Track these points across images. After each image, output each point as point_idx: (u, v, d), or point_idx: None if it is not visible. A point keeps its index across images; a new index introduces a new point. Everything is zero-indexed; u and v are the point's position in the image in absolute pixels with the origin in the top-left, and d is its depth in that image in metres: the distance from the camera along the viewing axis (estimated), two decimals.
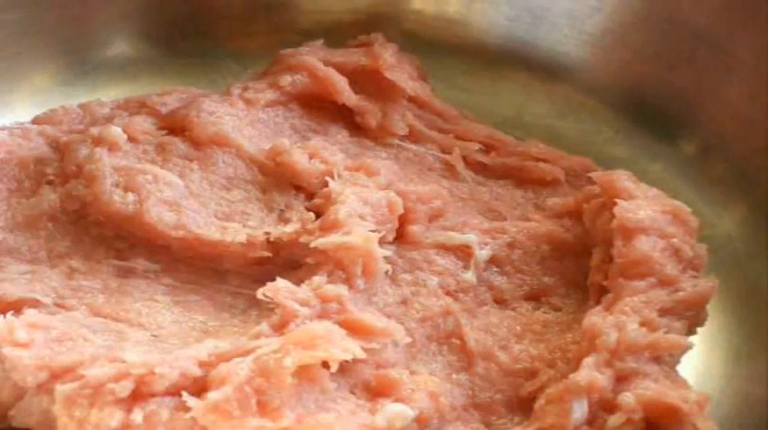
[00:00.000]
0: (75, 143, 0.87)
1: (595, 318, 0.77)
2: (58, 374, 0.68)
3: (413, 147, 0.98)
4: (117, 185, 0.84)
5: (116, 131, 0.87)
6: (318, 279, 0.77)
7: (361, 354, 0.71)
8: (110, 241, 0.83)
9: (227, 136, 0.90)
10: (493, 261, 0.87)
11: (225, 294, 0.83)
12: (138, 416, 0.65)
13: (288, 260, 0.83)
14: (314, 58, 0.98)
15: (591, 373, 0.72)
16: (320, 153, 0.89)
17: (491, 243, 0.87)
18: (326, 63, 0.98)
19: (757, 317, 0.90)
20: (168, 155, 0.89)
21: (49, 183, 0.85)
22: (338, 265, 0.78)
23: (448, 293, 0.84)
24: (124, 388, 0.66)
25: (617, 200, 0.83)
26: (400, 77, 1.00)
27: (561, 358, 0.79)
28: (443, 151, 0.98)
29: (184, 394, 0.67)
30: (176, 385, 0.67)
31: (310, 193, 0.88)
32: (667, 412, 0.71)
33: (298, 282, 0.77)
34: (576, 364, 0.75)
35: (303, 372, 0.68)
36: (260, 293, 0.75)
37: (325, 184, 0.86)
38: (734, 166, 0.99)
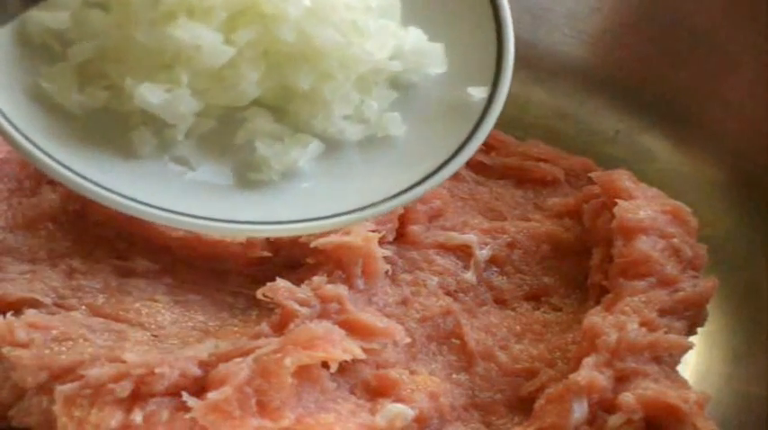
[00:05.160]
0: None
1: (595, 318, 0.77)
2: (58, 374, 0.68)
3: None
4: None
5: None
6: (318, 279, 0.77)
7: (360, 355, 0.71)
8: (110, 241, 0.83)
9: None
10: (493, 261, 0.87)
11: (225, 294, 0.83)
12: (138, 416, 0.65)
13: (288, 260, 0.83)
14: None
15: (591, 373, 0.72)
16: None
17: (491, 243, 0.87)
18: None
19: (757, 317, 0.90)
20: None
21: (50, 182, 0.85)
22: (338, 265, 0.78)
23: (448, 293, 0.84)
24: (124, 388, 0.66)
25: (617, 200, 0.83)
26: None
27: (561, 358, 0.79)
28: None
29: (184, 394, 0.67)
30: (176, 385, 0.67)
31: None
32: (667, 412, 0.71)
33: (298, 282, 0.77)
34: (576, 364, 0.75)
35: (303, 372, 0.68)
36: (260, 293, 0.75)
37: None
38: (734, 166, 0.99)
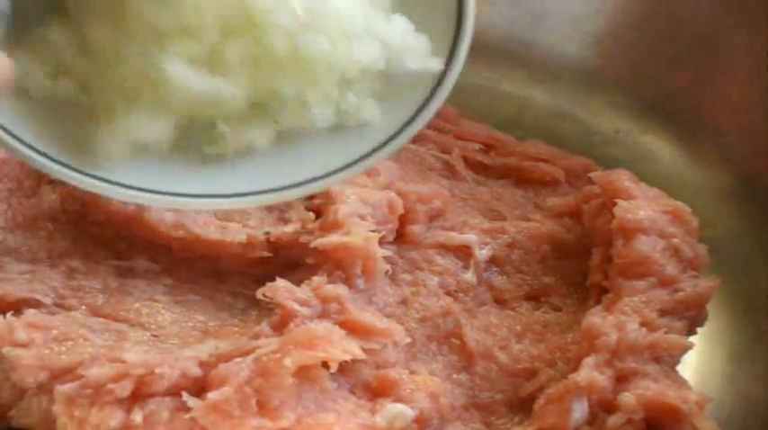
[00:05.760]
0: None
1: (595, 318, 0.77)
2: (58, 374, 0.68)
3: (412, 147, 0.98)
4: None
5: None
6: (318, 279, 0.77)
7: (360, 355, 0.71)
8: (110, 241, 0.83)
9: None
10: (493, 261, 0.87)
11: (225, 294, 0.83)
12: (138, 416, 0.65)
13: (288, 260, 0.83)
14: None
15: (591, 373, 0.72)
16: None
17: (491, 243, 0.87)
18: None
19: (758, 317, 0.90)
20: None
21: (49, 183, 0.85)
22: (338, 265, 0.78)
23: (448, 293, 0.84)
24: (124, 388, 0.66)
25: (617, 200, 0.83)
26: None
27: (561, 358, 0.79)
28: (443, 151, 0.98)
29: (184, 394, 0.67)
30: (176, 385, 0.67)
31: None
32: (667, 412, 0.71)
33: (298, 282, 0.77)
34: (575, 364, 0.75)
35: (303, 372, 0.68)
36: (260, 293, 0.75)
37: None
38: (735, 167, 0.99)
